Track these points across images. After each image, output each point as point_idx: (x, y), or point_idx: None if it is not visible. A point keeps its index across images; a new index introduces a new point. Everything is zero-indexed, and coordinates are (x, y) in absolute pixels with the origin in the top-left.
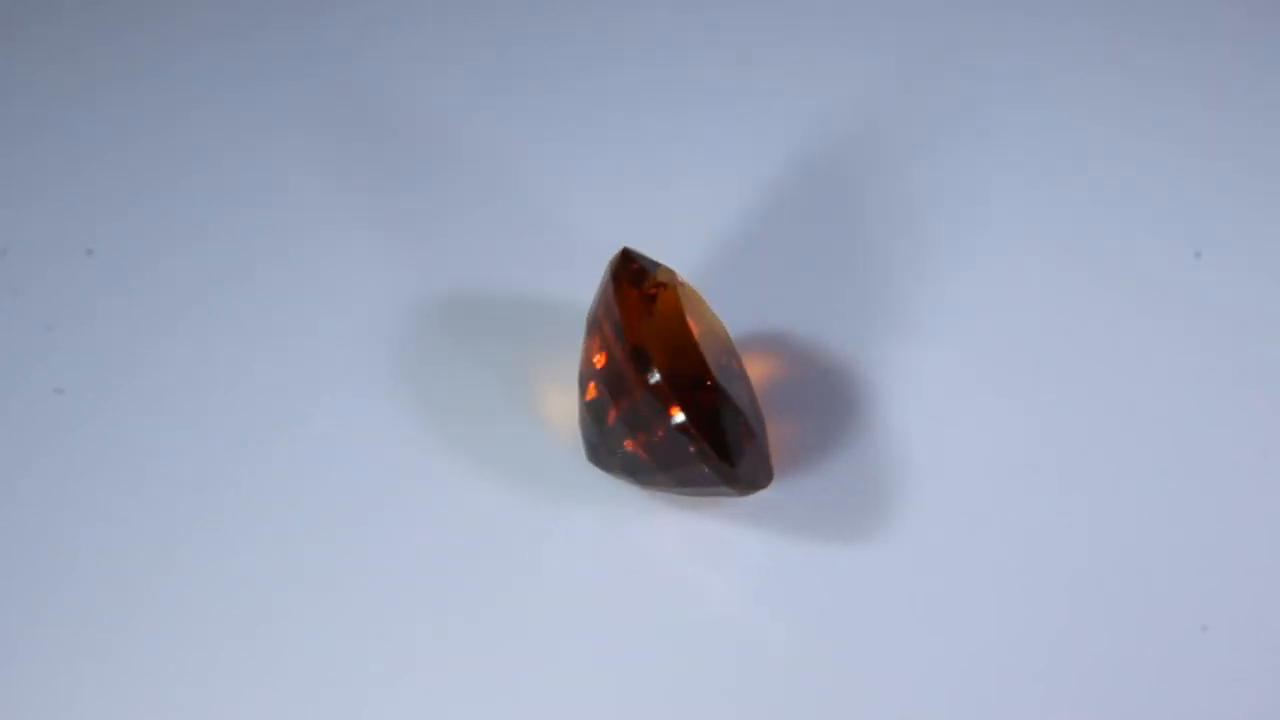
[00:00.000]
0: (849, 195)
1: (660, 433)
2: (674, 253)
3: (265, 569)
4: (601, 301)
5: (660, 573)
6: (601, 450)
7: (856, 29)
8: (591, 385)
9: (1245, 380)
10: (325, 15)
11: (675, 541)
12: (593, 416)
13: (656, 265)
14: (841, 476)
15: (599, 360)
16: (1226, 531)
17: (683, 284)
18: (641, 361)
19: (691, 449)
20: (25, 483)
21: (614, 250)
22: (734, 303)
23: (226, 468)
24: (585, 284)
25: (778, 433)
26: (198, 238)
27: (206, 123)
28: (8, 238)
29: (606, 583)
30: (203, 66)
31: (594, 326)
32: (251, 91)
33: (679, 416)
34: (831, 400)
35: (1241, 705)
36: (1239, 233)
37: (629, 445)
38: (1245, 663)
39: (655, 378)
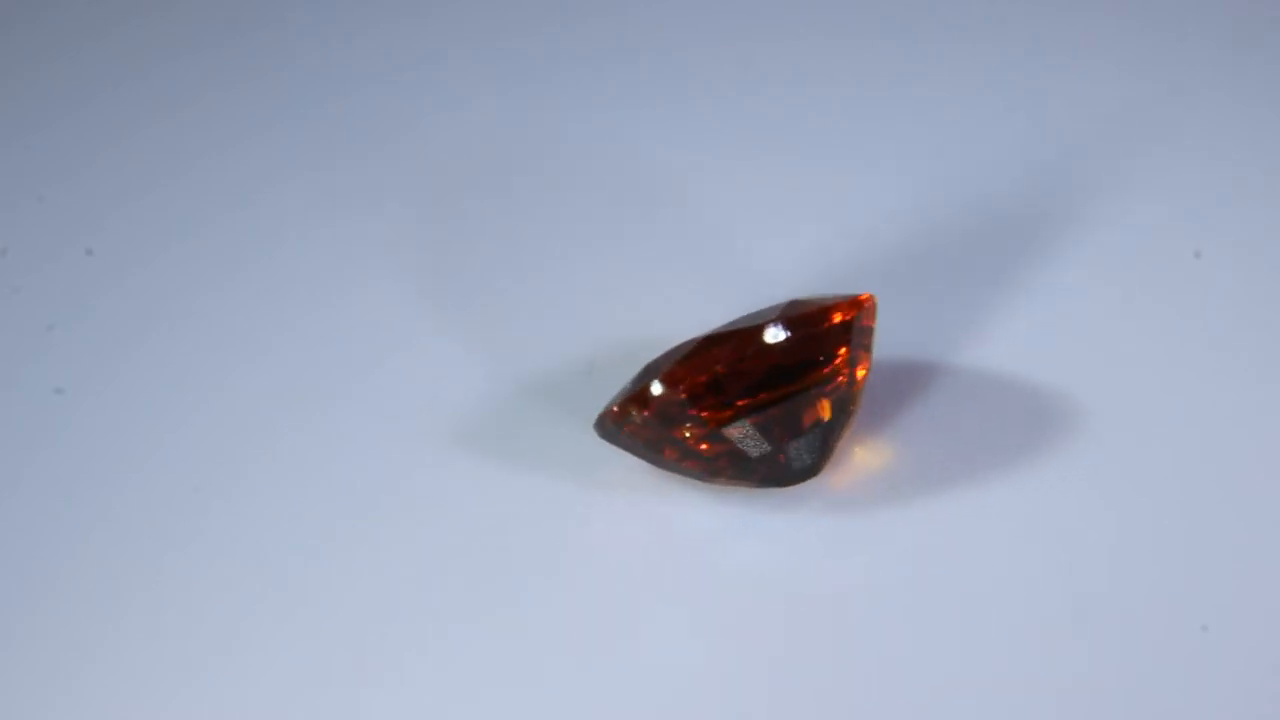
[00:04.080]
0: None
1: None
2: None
3: (267, 570)
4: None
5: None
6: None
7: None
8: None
9: (1245, 378)
10: (325, 10)
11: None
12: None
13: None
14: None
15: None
16: (1227, 530)
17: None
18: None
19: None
20: (25, 483)
21: None
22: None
23: (228, 468)
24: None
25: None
26: (199, 237)
27: (208, 120)
28: (8, 238)
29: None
30: (205, 63)
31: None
32: (254, 88)
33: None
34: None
35: (1241, 705)
36: (1239, 232)
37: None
38: (1245, 663)
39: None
